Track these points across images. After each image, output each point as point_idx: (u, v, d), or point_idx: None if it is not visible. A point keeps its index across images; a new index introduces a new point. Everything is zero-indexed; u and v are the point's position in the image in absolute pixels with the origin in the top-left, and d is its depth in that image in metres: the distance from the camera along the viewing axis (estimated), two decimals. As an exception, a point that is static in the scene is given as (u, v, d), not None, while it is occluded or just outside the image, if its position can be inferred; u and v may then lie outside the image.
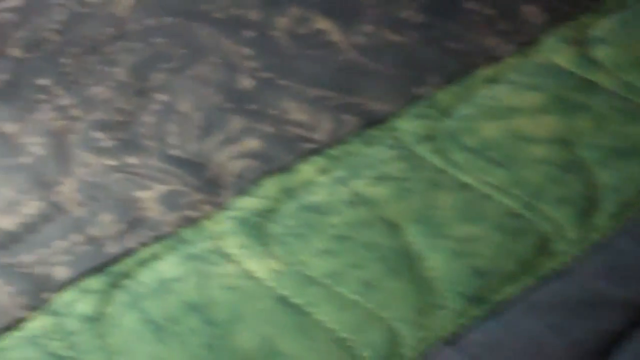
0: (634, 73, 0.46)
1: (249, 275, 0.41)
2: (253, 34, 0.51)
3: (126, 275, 0.41)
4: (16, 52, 0.52)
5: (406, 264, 0.40)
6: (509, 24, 0.50)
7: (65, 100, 0.49)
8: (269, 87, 0.48)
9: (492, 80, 0.47)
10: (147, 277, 0.41)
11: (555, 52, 0.48)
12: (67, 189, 0.45)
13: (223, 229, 0.43)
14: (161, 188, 0.44)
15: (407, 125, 0.46)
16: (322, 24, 0.51)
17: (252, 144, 0.46)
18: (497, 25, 0.50)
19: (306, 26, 0.51)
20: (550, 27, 0.49)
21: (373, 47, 0.49)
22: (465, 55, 0.48)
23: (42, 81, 0.50)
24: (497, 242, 0.41)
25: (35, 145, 0.47)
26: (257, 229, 0.42)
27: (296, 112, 0.47)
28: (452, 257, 0.40)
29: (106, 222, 0.43)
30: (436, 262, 0.40)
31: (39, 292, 0.41)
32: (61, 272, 0.41)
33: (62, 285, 0.41)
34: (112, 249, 0.42)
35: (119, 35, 0.52)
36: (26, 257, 0.42)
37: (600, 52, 0.47)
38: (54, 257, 0.42)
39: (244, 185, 0.44)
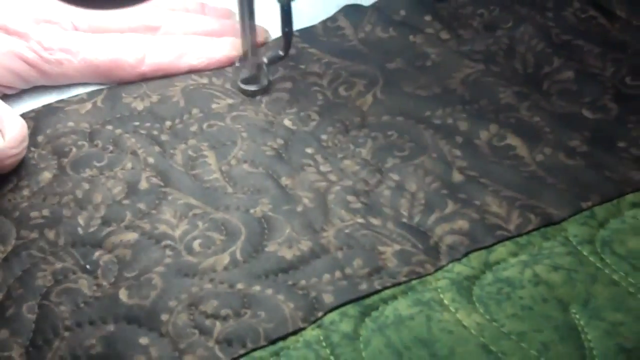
0: None
1: (460, 324, 0.44)
2: (462, 140, 0.55)
3: (373, 307, 0.45)
4: (289, 124, 0.57)
5: (572, 334, 0.43)
6: (650, 163, 0.52)
7: (325, 168, 0.54)
8: (474, 183, 0.52)
9: (635, 205, 0.50)
10: (388, 312, 0.45)
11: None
12: (329, 235, 0.49)
13: (441, 285, 0.47)
14: (396, 246, 0.49)
15: (574, 230, 0.48)
16: (513, 140, 0.54)
17: (462, 224, 0.50)
18: (641, 163, 0.52)
19: (501, 140, 0.55)
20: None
21: (550, 165, 0.52)
22: (618, 183, 0.51)
23: (308, 150, 0.55)
24: (638, 328, 0.43)
25: (305, 198, 0.52)
26: (465, 290, 0.46)
27: (494, 206, 0.51)
28: (605, 335, 0.43)
29: (358, 266, 0.48)
30: (593, 337, 0.43)
31: (313, 311, 0.45)
32: (328, 298, 0.46)
33: (329, 308, 0.45)
34: (363, 286, 0.46)
35: (363, 124, 0.57)
36: (302, 282, 0.47)
37: None
38: (322, 286, 0.46)
39: (456, 254, 0.48)
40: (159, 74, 0.59)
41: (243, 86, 0.58)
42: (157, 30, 0.61)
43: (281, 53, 0.58)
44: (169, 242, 0.48)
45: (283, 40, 0.57)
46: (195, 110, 0.57)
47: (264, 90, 0.58)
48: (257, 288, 0.46)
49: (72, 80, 0.59)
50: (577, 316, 0.44)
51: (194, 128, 0.56)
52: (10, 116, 0.52)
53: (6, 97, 0.58)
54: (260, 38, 0.62)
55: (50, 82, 0.59)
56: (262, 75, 0.58)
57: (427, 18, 0.64)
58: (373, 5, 0.65)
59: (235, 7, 0.57)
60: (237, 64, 0.59)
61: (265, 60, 0.58)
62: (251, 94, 0.58)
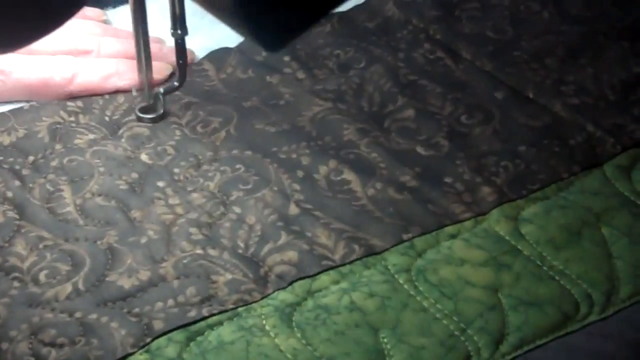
0: (546, 248, 0.52)
1: (277, 348, 0.47)
2: (302, 174, 0.58)
3: (199, 333, 0.48)
4: (145, 159, 0.59)
5: (379, 358, 0.46)
6: (471, 198, 0.55)
7: (173, 200, 0.56)
8: (308, 216, 0.55)
9: (453, 236, 0.53)
10: (212, 337, 0.47)
11: (497, 223, 0.53)
12: (168, 266, 0.52)
13: (265, 312, 0.49)
14: (228, 276, 0.51)
15: (394, 259, 0.51)
16: (349, 175, 0.57)
17: (292, 255, 0.52)
18: (463, 198, 0.55)
19: (338, 175, 0.58)
20: (497, 205, 0.55)
21: (380, 199, 0.55)
22: (439, 216, 0.54)
23: (160, 183, 0.57)
24: (438, 352, 0.47)
25: (150, 230, 0.54)
26: (286, 316, 0.49)
27: (323, 237, 0.53)
28: (408, 358, 0.46)
29: (190, 294, 0.50)
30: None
31: (143, 337, 0.48)
32: (158, 325, 0.48)
33: (158, 334, 0.48)
34: (192, 313, 0.49)
35: (215, 158, 0.59)
36: (137, 310, 0.49)
37: (526, 229, 0.53)
38: (154, 313, 0.49)
39: (282, 283, 0.51)
40: (87, 94, 0.63)
41: (141, 115, 0.62)
42: (89, 53, 0.64)
43: (176, 83, 0.62)
44: (17, 274, 0.50)
45: (178, 71, 0.61)
46: (58, 146, 0.59)
47: (160, 118, 0.62)
48: (94, 316, 0.48)
49: (6, 99, 0.62)
50: (386, 340, 0.47)
51: (54, 163, 0.58)
52: None
53: None
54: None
55: None
56: (158, 104, 0.62)
57: (286, 58, 0.67)
58: (237, 47, 0.68)
59: (163, 36, 0.64)
60: (134, 94, 0.62)
61: (161, 90, 0.62)
62: (149, 122, 0.61)
